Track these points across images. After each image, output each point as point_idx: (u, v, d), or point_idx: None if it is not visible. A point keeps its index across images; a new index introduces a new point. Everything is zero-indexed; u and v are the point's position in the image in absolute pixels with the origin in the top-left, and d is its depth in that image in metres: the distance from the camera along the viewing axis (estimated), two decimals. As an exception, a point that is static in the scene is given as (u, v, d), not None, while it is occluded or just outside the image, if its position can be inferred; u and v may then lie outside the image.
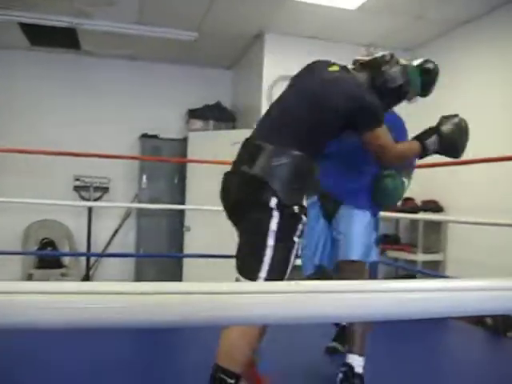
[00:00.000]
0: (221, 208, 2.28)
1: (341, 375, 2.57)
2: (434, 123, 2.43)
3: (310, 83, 2.18)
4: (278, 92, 5.43)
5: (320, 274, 2.73)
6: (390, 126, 2.22)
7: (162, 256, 6.38)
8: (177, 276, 6.03)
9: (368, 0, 4.54)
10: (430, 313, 0.82)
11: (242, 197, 2.05)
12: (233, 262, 4.83)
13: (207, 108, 6.52)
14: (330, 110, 2.08)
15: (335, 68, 2.21)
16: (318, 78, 2.17)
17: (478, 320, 4.22)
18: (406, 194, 3.87)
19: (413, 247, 5.16)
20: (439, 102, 5.28)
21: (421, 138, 2.33)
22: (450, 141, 2.35)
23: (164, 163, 6.43)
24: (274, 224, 1.92)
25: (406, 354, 3.44)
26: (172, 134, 6.61)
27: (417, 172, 2.96)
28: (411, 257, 5.10)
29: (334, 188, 2.68)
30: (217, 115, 6.46)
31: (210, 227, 5.64)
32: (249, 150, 2.06)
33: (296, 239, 1.98)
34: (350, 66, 2.34)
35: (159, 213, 6.23)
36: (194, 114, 6.49)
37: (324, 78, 2.16)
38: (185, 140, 6.30)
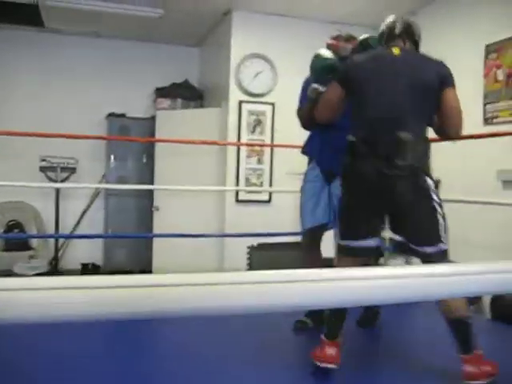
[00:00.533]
0: (190, 187, 2.40)
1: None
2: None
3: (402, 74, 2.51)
4: (245, 70, 5.49)
5: (317, 228, 3.19)
6: None
7: (131, 237, 6.35)
8: (147, 256, 6.03)
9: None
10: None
11: (404, 186, 2.38)
12: (202, 240, 4.67)
13: (175, 86, 6.45)
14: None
15: (397, 51, 2.56)
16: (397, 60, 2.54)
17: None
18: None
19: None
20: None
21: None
22: None
23: (132, 143, 6.36)
24: (435, 197, 2.42)
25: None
26: (139, 112, 6.54)
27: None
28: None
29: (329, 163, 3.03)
30: (185, 94, 6.40)
31: (179, 207, 5.65)
32: (392, 143, 2.39)
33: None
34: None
35: (128, 193, 6.18)
36: (161, 92, 6.41)
37: (404, 62, 2.54)
38: (153, 119, 6.23)
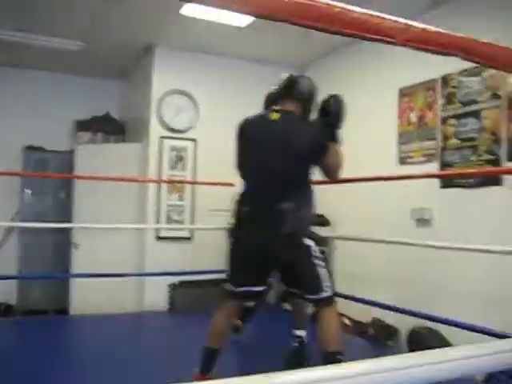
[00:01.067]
0: (110, 226, 2.53)
1: (296, 344, 3.49)
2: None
3: (270, 138, 2.72)
4: (167, 106, 5.44)
5: None
6: None
7: (45, 277, 6.06)
8: (64, 295, 5.77)
9: (256, 20, 4.59)
10: None
11: (286, 249, 2.65)
12: (122, 278, 4.43)
13: (96, 120, 6.32)
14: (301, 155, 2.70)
15: (276, 116, 2.76)
16: (275, 130, 2.74)
17: (360, 331, 4.38)
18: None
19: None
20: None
21: (334, 139, 2.82)
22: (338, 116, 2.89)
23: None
24: (314, 253, 2.67)
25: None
26: (59, 146, 6.32)
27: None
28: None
29: None
30: (106, 127, 6.28)
31: (98, 244, 5.47)
32: (271, 213, 2.63)
33: (324, 254, 2.74)
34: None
35: (44, 229, 5.91)
36: (81, 125, 6.27)
37: (279, 128, 2.73)
38: (72, 152, 6.04)
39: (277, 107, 2.81)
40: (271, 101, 2.95)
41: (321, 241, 2.80)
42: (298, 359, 3.43)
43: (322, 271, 2.69)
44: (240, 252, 2.79)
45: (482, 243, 3.43)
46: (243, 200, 2.79)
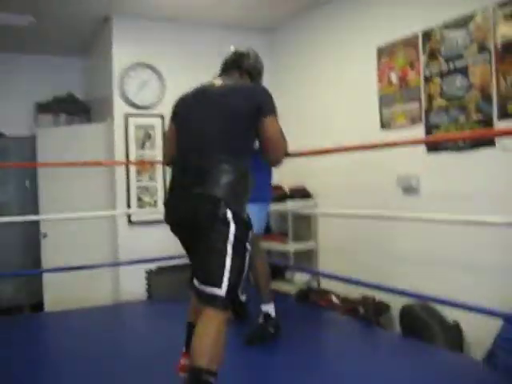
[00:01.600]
0: (76, 214, 3.48)
1: (261, 320, 3.37)
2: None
3: (210, 100, 2.44)
4: (130, 81, 5.05)
5: None
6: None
7: (13, 275, 5.72)
8: (37, 289, 5.46)
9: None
10: None
11: (200, 215, 2.19)
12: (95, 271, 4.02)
13: (57, 101, 5.92)
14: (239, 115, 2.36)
15: (218, 83, 2.54)
16: (213, 90, 2.49)
17: (350, 309, 4.13)
18: (274, 182, 3.89)
19: (284, 236, 5.00)
20: (302, 79, 5.19)
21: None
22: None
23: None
24: (231, 234, 2.16)
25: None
26: (19, 130, 5.91)
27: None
28: (283, 247, 4.94)
29: None
30: (69, 108, 5.89)
31: (68, 232, 5.14)
32: (194, 173, 2.27)
33: (248, 246, 2.23)
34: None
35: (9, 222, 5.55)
36: (42, 107, 5.86)
37: (218, 88, 2.49)
38: (34, 137, 5.65)
39: (221, 76, 2.71)
40: (220, 71, 2.81)
41: (248, 227, 2.27)
42: (260, 336, 3.34)
43: (230, 264, 2.14)
44: (171, 224, 2.40)
45: (477, 212, 3.17)
46: (173, 170, 2.47)
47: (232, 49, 2.83)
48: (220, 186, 2.20)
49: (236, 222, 2.18)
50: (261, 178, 2.78)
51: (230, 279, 2.12)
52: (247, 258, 2.23)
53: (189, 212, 2.24)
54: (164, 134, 5.13)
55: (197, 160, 2.30)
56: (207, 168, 2.25)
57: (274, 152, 2.45)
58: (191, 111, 2.47)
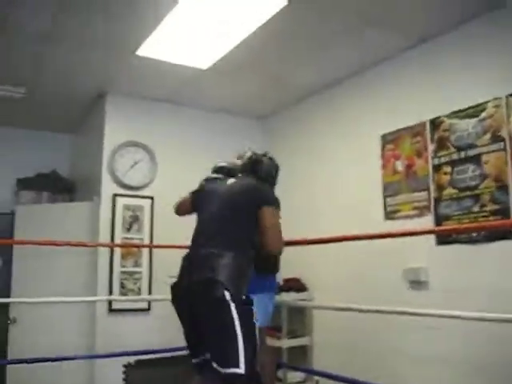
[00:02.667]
0: (53, 299, 3.39)
1: None
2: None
3: (219, 193, 2.73)
4: (121, 160, 4.85)
5: None
6: None
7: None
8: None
9: (220, 60, 4.12)
10: None
11: (202, 298, 2.35)
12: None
13: (41, 177, 5.67)
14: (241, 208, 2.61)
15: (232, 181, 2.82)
16: (224, 188, 2.76)
17: None
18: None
19: (278, 331, 4.64)
20: (299, 167, 5.04)
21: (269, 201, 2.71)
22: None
23: (-15, 242, 5.39)
24: (234, 313, 2.28)
25: None
26: (-2, 207, 5.61)
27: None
28: (276, 343, 4.56)
29: None
30: (52, 186, 5.62)
31: (41, 318, 4.72)
32: (198, 260, 2.48)
33: (255, 322, 2.36)
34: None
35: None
36: (24, 184, 5.58)
37: (228, 187, 2.76)
38: (13, 214, 5.34)
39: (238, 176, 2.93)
40: (232, 174, 2.98)
41: (249, 305, 2.38)
42: None
43: (242, 342, 2.26)
44: (176, 310, 2.57)
45: (491, 309, 2.91)
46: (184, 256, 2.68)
47: (248, 153, 3.00)
48: (217, 269, 2.36)
49: (234, 301, 2.30)
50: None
51: (245, 356, 2.24)
52: (256, 331, 2.36)
53: (193, 296, 2.40)
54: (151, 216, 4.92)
55: (199, 248, 2.54)
56: (205, 254, 2.45)
57: (270, 241, 2.57)
58: (205, 204, 2.76)
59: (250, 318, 2.35)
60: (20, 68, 4.34)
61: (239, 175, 2.92)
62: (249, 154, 2.98)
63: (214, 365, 2.30)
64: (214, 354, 2.33)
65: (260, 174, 2.88)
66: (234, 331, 2.26)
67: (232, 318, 2.28)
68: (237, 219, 2.58)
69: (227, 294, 2.30)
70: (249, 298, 2.41)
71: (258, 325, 2.52)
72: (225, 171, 3.02)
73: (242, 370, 2.22)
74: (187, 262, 2.58)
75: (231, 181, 2.82)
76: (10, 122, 5.72)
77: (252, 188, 2.69)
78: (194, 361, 2.54)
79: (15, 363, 4.60)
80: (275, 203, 2.68)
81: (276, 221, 2.62)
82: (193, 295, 2.39)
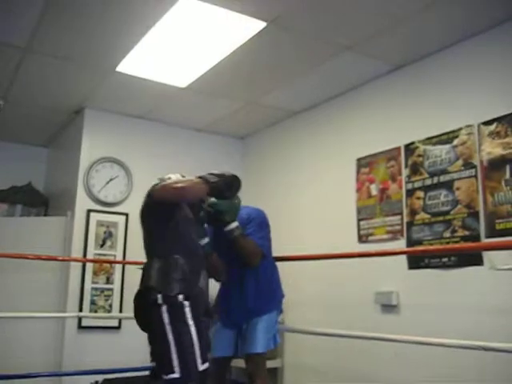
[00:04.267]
0: (17, 314, 3.65)
1: None
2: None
3: None
4: (96, 175, 4.81)
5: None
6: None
7: None
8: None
9: (198, 79, 4.14)
10: None
11: (137, 308, 2.42)
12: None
13: (15, 190, 5.59)
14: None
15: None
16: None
17: None
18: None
19: (247, 353, 4.60)
20: (275, 186, 5.04)
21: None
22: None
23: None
24: (165, 318, 2.28)
25: None
26: (-30, 218, 5.51)
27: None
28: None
29: None
30: (26, 199, 5.55)
31: (6, 332, 4.61)
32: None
33: (190, 321, 2.31)
34: None
35: None
36: (-3, 196, 5.51)
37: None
38: (-15, 226, 5.26)
39: None
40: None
41: (180, 305, 2.34)
42: None
43: (174, 346, 2.25)
44: None
45: (464, 334, 2.92)
46: None
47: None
48: (150, 277, 2.40)
49: (166, 302, 2.31)
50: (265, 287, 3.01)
51: (179, 358, 2.23)
52: (193, 331, 2.30)
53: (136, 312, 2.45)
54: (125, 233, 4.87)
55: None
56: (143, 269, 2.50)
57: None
58: None
59: (181, 318, 2.32)
60: (-4, 80, 4.32)
61: None
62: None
63: (159, 373, 2.30)
64: (156, 361, 2.34)
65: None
66: (165, 335, 2.27)
67: (165, 325, 2.28)
68: (145, 229, 2.65)
69: (159, 297, 2.32)
70: (184, 299, 2.38)
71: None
72: None
73: (177, 373, 2.22)
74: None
75: None
76: (-14, 133, 5.67)
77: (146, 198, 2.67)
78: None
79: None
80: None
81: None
82: (136, 309, 2.45)
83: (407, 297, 3.61)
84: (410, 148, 3.74)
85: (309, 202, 4.65)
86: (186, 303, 2.36)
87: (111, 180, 4.93)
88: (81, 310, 4.63)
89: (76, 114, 5.05)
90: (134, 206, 4.94)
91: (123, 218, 4.89)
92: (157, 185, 2.53)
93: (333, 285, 4.16)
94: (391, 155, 3.88)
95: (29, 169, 5.90)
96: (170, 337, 2.26)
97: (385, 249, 3.72)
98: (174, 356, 2.23)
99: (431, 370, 3.32)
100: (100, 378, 4.50)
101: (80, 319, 4.60)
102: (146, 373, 4.28)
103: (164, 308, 2.30)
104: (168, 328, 2.27)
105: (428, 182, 3.56)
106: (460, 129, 3.41)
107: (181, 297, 2.35)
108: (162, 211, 2.48)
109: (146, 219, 2.57)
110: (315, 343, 4.18)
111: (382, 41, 3.54)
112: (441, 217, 3.43)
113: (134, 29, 3.45)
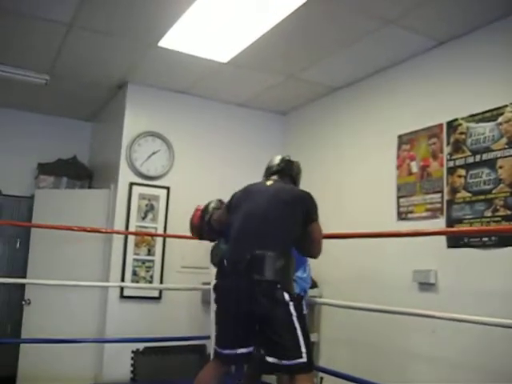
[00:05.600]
0: (66, 282, 3.82)
1: None
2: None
3: (264, 199, 2.86)
4: (139, 149, 4.90)
5: None
6: None
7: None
8: (12, 359, 5.06)
9: (240, 53, 4.14)
10: None
11: (262, 299, 2.57)
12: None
13: (61, 163, 5.75)
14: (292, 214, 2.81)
15: (270, 182, 3.01)
16: (268, 189, 2.94)
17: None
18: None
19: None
20: (316, 162, 5.02)
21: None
22: None
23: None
24: (293, 311, 2.58)
25: None
26: (18, 190, 5.70)
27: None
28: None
29: None
30: (71, 172, 5.71)
31: (54, 301, 4.81)
32: (251, 259, 2.62)
33: (305, 314, 2.82)
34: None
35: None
36: (44, 168, 5.67)
37: (273, 189, 2.93)
38: (33, 198, 5.44)
39: (273, 177, 3.07)
40: (267, 173, 3.15)
41: (300, 301, 2.74)
42: None
43: (301, 334, 2.57)
44: (220, 305, 2.80)
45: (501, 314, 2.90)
46: (226, 251, 2.84)
47: (279, 157, 3.18)
48: (275, 272, 2.60)
49: (292, 300, 2.60)
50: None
51: (306, 346, 2.55)
52: (305, 323, 2.66)
53: (250, 297, 2.59)
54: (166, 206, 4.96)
55: (251, 248, 2.65)
56: (261, 255, 2.61)
57: (315, 250, 2.95)
58: (245, 204, 2.88)
59: (302, 312, 2.67)
60: (44, 55, 4.41)
61: (273, 177, 3.07)
62: (279, 157, 3.18)
63: (270, 359, 2.56)
64: (273, 348, 2.57)
65: (290, 174, 3.12)
66: (294, 327, 2.56)
67: (291, 316, 2.57)
68: (287, 223, 2.78)
69: (286, 296, 2.60)
70: (299, 295, 2.83)
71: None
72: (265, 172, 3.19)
73: (304, 358, 2.52)
74: (234, 262, 2.71)
75: (269, 182, 3.01)
76: (33, 108, 5.82)
77: (303, 197, 2.89)
78: (225, 352, 2.70)
79: (28, 343, 4.72)
80: (318, 214, 2.92)
81: (321, 235, 2.93)
82: (248, 295, 2.59)
83: (445, 275, 3.58)
84: (452, 125, 3.67)
85: (349, 179, 4.64)
86: (301, 299, 2.83)
87: (153, 154, 5.01)
88: (123, 280, 4.77)
89: (119, 88, 5.14)
90: (175, 179, 5.07)
91: (164, 191, 4.98)
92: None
93: (370, 261, 4.16)
94: (433, 132, 3.82)
95: (74, 142, 6.06)
96: (298, 328, 2.56)
97: (423, 227, 3.69)
98: (302, 343, 2.54)
99: (467, 349, 3.31)
100: (141, 346, 4.67)
101: (122, 289, 4.75)
102: (185, 342, 4.43)
103: (291, 304, 2.59)
104: (296, 320, 2.57)
105: (470, 159, 3.50)
106: (505, 106, 3.32)
107: (298, 295, 2.82)
108: (308, 220, 2.83)
109: (298, 211, 2.80)
110: (352, 318, 4.20)
111: (426, 15, 3.46)
112: (482, 195, 3.38)
113: (176, 3, 3.47)
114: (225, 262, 2.76)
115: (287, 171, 3.12)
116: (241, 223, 2.83)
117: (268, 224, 2.75)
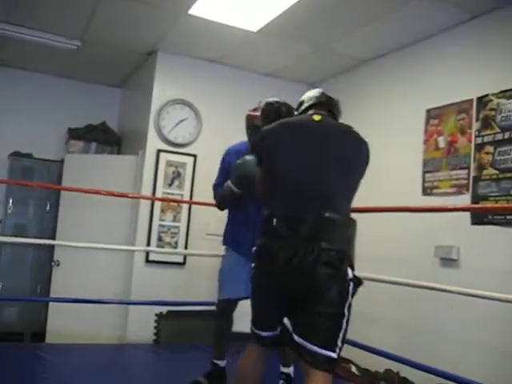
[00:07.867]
0: (93, 245, 3.43)
1: (282, 382, 3.25)
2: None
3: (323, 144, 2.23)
4: (167, 117, 4.95)
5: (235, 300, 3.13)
6: None
7: (20, 300, 5.54)
8: (41, 317, 5.27)
9: (270, 22, 4.12)
10: None
11: (323, 272, 2.00)
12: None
13: (90, 128, 5.84)
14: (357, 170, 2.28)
15: (319, 117, 2.32)
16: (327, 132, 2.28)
17: (370, 382, 3.82)
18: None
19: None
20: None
21: None
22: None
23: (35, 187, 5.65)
24: (350, 295, 2.04)
25: None
26: (48, 154, 5.83)
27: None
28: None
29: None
30: (101, 137, 5.79)
31: (82, 262, 4.95)
32: (318, 222, 2.05)
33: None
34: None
35: (24, 243, 5.40)
36: (74, 133, 5.77)
37: (332, 133, 2.30)
38: (62, 162, 5.55)
39: (318, 111, 2.40)
40: (307, 108, 2.50)
41: (360, 285, 2.09)
42: None
43: (345, 326, 2.03)
44: (263, 274, 2.16)
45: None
46: (273, 213, 2.15)
47: (319, 90, 2.63)
48: (347, 241, 2.09)
49: (353, 280, 2.05)
50: None
51: (342, 341, 2.04)
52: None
53: (308, 268, 2.00)
54: (193, 173, 4.99)
55: (316, 207, 2.07)
56: (331, 219, 2.05)
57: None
58: (298, 149, 2.21)
59: (351, 298, 2.06)
60: (75, 21, 4.46)
61: (321, 111, 2.43)
62: (319, 89, 2.62)
63: (298, 339, 2.04)
64: (308, 329, 2.04)
65: (334, 109, 2.55)
66: (343, 313, 2.03)
67: (346, 300, 2.03)
68: (350, 176, 2.24)
69: (350, 273, 2.05)
70: (360, 279, 2.11)
71: None
72: (298, 106, 2.64)
73: (335, 354, 2.01)
74: (292, 221, 2.08)
75: (319, 117, 2.34)
76: (64, 73, 5.90)
77: (366, 144, 2.37)
78: (264, 334, 2.21)
79: (56, 301, 4.88)
80: None
81: None
82: (306, 265, 2.00)
83: (468, 252, 3.59)
84: (482, 101, 3.62)
85: (376, 152, 4.60)
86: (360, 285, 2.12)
87: (181, 121, 5.06)
88: (148, 244, 4.88)
89: (149, 55, 5.17)
90: (202, 147, 5.12)
91: (191, 159, 5.04)
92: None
93: (394, 236, 4.17)
94: (462, 108, 3.78)
95: (104, 108, 6.13)
96: (346, 316, 2.03)
97: (448, 203, 3.69)
98: (341, 337, 2.02)
99: (485, 326, 3.33)
100: (164, 309, 4.80)
101: (147, 253, 4.86)
102: (208, 308, 4.52)
103: (351, 285, 2.05)
104: (347, 306, 2.04)
105: (499, 136, 3.46)
106: (537, 83, 3.27)
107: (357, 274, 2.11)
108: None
109: (363, 163, 2.32)
110: (371, 292, 4.23)
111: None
112: (510, 173, 3.35)
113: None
114: (274, 220, 2.11)
115: (331, 107, 2.52)
116: (297, 172, 2.17)
117: (335, 178, 2.15)
